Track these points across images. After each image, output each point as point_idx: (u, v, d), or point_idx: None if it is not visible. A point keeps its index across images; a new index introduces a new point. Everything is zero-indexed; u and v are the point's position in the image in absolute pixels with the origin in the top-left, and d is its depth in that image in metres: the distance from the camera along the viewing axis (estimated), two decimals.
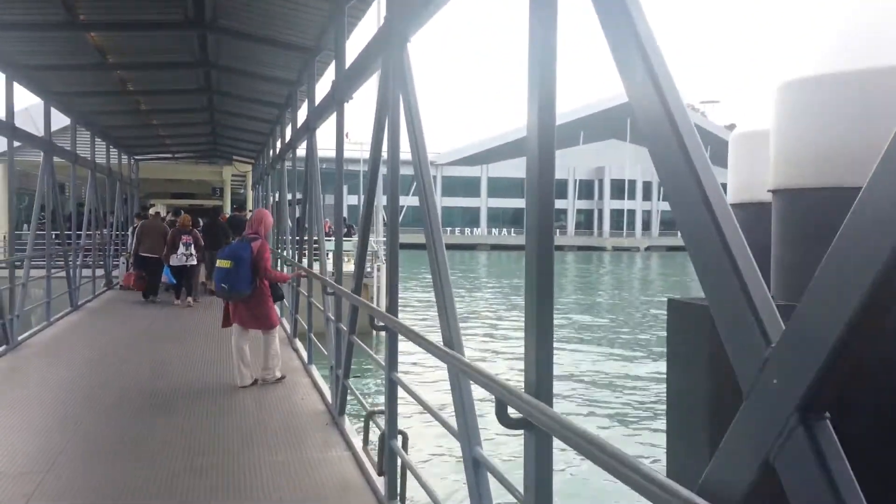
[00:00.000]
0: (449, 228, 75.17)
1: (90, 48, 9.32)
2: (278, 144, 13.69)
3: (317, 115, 8.65)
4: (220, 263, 7.14)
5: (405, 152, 4.38)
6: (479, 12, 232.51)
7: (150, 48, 10.00)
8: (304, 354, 8.71)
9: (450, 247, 44.20)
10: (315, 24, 8.03)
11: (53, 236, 12.64)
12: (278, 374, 7.38)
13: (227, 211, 23.55)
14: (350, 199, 60.62)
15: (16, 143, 10.13)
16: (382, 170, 6.08)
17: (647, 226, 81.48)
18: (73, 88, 11.64)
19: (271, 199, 15.82)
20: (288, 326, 10.50)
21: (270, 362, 7.32)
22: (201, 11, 8.17)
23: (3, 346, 9.09)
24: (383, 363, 4.54)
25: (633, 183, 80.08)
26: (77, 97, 12.27)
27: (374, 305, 21.39)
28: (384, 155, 5.00)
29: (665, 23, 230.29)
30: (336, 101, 6.84)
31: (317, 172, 8.92)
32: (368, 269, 21.39)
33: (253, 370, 7.31)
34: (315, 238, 9.20)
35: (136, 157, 21.25)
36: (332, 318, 6.74)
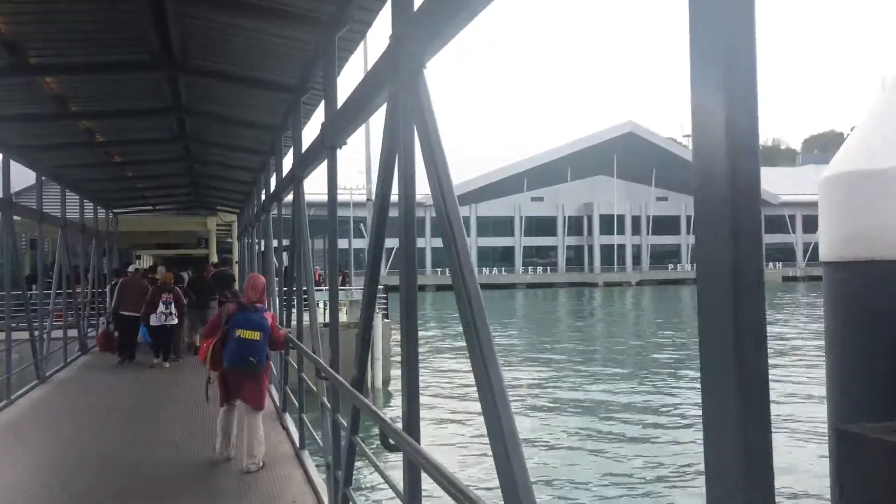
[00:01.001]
0: (440, 269, 74.38)
1: (47, 96, 8.46)
2: (263, 193, 12.81)
3: (304, 164, 7.67)
4: (248, 335, 6.64)
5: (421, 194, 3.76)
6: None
7: (115, 94, 9.13)
8: (295, 435, 7.65)
9: (441, 287, 43.48)
10: (300, 58, 7.06)
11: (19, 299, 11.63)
12: (261, 463, 6.70)
13: (214, 259, 22.72)
14: (340, 244, 59.71)
15: None
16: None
17: (637, 260, 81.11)
18: (35, 141, 10.72)
19: (257, 248, 15.00)
20: (277, 398, 9.41)
21: (256, 449, 6.66)
22: (168, 49, 7.24)
23: None
24: (401, 493, 3.59)
25: (622, 218, 79.89)
26: (41, 151, 11.34)
27: (369, 367, 19.96)
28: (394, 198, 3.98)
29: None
30: (326, 146, 6.00)
31: (304, 223, 7.88)
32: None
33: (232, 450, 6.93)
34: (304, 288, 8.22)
35: (115, 211, 20.28)
36: (329, 405, 5.71)
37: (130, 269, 15.76)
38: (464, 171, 75.06)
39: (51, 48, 7.23)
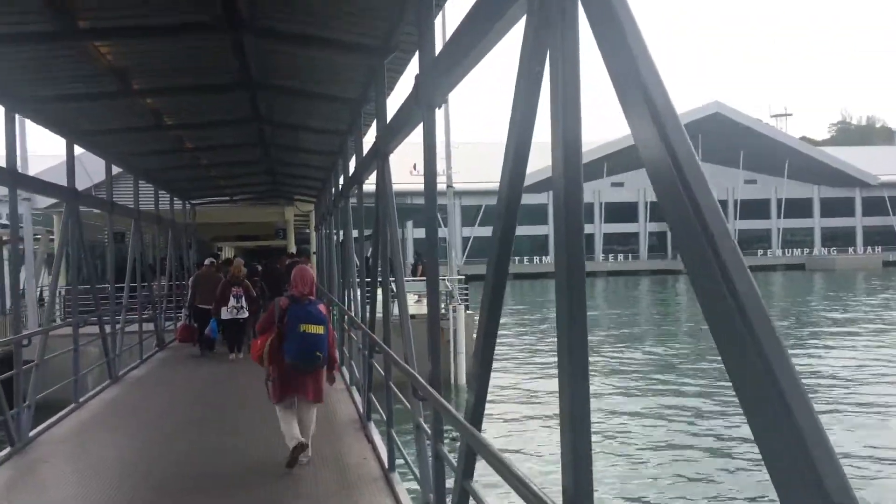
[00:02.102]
0: (516, 257, 73.13)
1: (147, 112, 9.46)
2: (342, 179, 12.18)
3: (390, 135, 6.79)
4: (312, 329, 6.41)
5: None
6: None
7: (204, 109, 10.01)
8: (382, 451, 7.00)
9: (518, 276, 42.80)
10: (359, 79, 7.70)
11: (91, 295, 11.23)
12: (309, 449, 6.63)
13: (293, 250, 22.36)
14: (417, 233, 59.31)
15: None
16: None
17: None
18: (102, 125, 10.41)
19: (335, 238, 14.74)
20: (359, 403, 9.06)
21: (309, 430, 6.74)
22: (248, 72, 7.93)
23: (7, 449, 7.20)
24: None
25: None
26: (108, 135, 11.01)
27: (452, 362, 19.15)
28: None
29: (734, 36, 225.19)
30: (422, 104, 5.42)
31: (391, 205, 6.72)
32: (443, 311, 19.65)
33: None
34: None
35: (192, 202, 19.98)
36: (428, 431, 5.02)
37: (206, 261, 15.53)
38: (543, 158, 73.39)
39: (152, 73, 8.26)
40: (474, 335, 20.80)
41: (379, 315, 7.62)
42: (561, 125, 2.40)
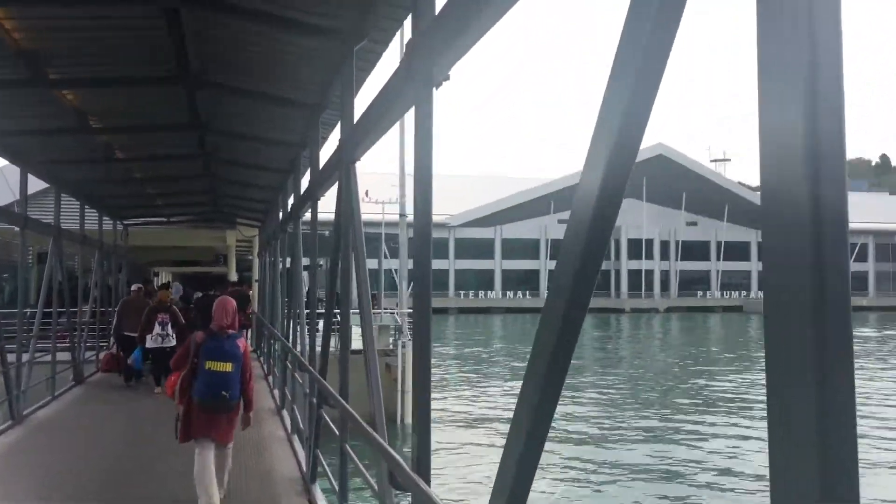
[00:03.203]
0: (463, 292, 72.66)
1: (68, 110, 8.29)
2: (288, 206, 11.33)
3: (320, 182, 7.37)
4: (219, 367, 6.05)
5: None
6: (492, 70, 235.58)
7: (136, 109, 8.93)
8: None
9: (463, 310, 42.77)
10: (318, 74, 6.79)
11: None
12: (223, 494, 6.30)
13: (234, 277, 21.19)
14: (370, 263, 58.08)
15: None
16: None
17: (665, 286, 78.80)
18: (52, 156, 9.59)
19: (280, 266, 13.63)
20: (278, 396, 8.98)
21: (225, 479, 6.41)
22: (186, 65, 7.01)
23: None
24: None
25: (650, 242, 77.77)
26: (58, 166, 10.05)
27: (399, 401, 18.09)
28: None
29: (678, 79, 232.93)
30: (344, 161, 5.65)
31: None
32: (391, 347, 18.77)
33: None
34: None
35: (124, 222, 18.62)
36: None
37: (134, 287, 14.42)
38: (490, 192, 73.67)
39: (71, 62, 7.05)
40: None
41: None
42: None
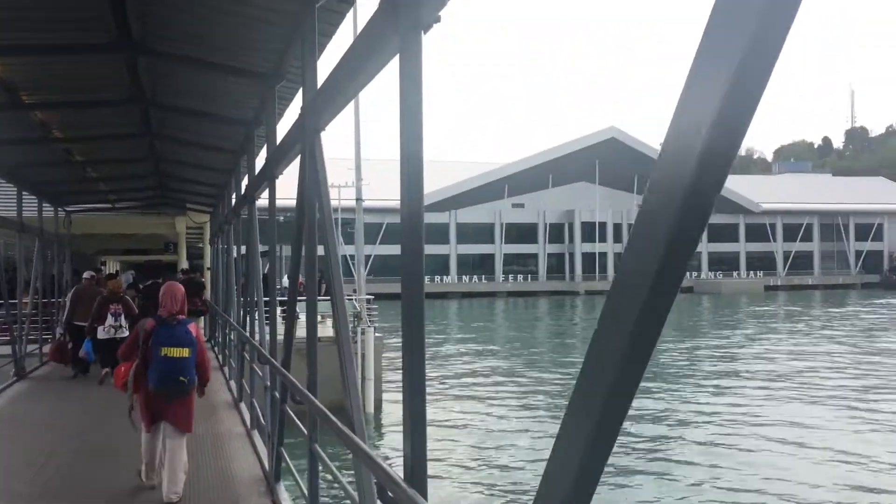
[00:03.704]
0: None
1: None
2: (242, 189, 10.81)
3: (279, 158, 6.99)
4: (174, 352, 6.05)
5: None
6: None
7: (75, 83, 8.11)
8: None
9: (426, 295, 42.75)
10: (275, 37, 6.54)
11: None
12: (181, 493, 6.06)
13: (184, 265, 20.44)
14: (319, 250, 57.19)
15: None
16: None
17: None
18: None
19: (234, 252, 13.24)
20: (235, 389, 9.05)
21: (179, 476, 6.08)
22: (127, 30, 6.47)
23: None
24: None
25: (603, 225, 78.41)
26: None
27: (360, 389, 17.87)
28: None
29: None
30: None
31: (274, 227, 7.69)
32: (350, 334, 18.27)
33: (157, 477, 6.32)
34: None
35: (67, 209, 17.68)
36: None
37: (86, 275, 13.75)
38: (444, 177, 73.22)
39: None
40: (384, 359, 19.62)
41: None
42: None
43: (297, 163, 5.79)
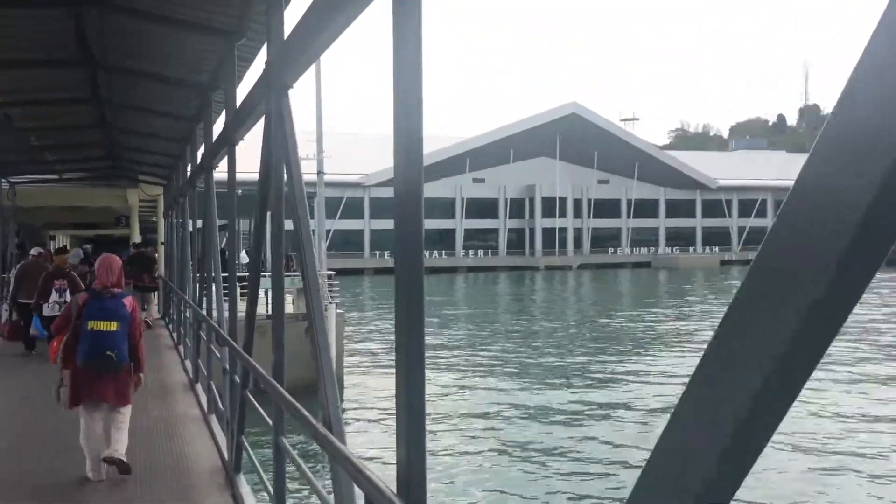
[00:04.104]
0: (378, 252, 71.76)
1: None
2: (201, 151, 10.27)
3: (240, 121, 6.44)
4: (102, 325, 5.85)
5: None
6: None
7: (10, 38, 7.32)
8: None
9: (380, 271, 42.36)
10: (207, 61, 6.91)
11: None
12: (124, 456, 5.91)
13: (137, 239, 19.70)
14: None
15: None
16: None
17: (578, 243, 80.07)
18: None
19: (190, 226, 12.58)
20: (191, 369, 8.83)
21: (122, 435, 5.97)
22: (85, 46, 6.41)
23: None
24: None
25: (563, 201, 78.62)
26: None
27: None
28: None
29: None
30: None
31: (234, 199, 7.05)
32: None
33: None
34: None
35: (10, 180, 16.80)
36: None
37: (34, 251, 13.19)
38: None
39: None
40: (345, 337, 19.19)
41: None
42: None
43: (259, 128, 5.33)
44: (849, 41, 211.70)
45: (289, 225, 4.41)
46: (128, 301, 6.09)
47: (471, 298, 46.17)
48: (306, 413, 3.32)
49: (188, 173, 11.97)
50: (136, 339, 6.09)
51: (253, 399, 5.59)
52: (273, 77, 4.35)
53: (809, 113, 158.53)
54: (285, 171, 4.24)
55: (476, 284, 57.89)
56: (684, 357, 21.64)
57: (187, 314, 12.12)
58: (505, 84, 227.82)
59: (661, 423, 14.25)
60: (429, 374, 16.41)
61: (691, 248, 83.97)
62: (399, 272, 2.43)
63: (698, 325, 30.14)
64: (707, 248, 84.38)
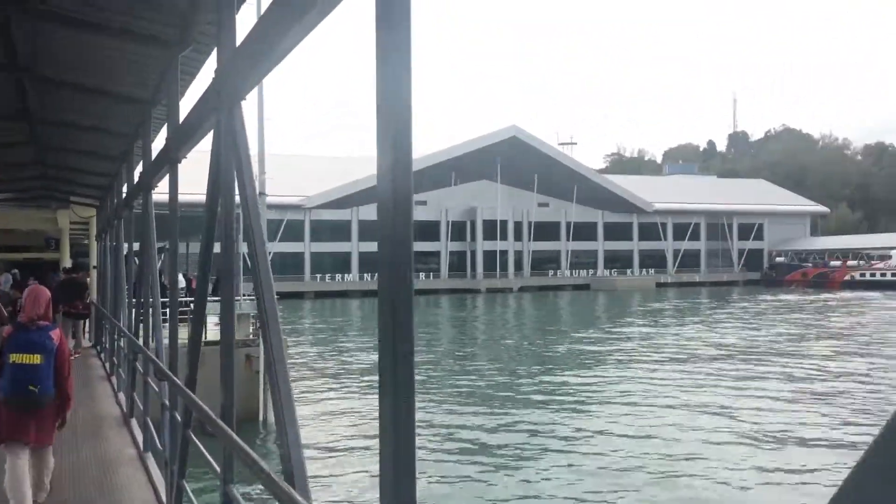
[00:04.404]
0: (319, 275, 70.72)
1: None
2: (139, 170, 9.75)
3: (181, 140, 6.09)
4: (24, 359, 5.54)
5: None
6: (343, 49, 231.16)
7: None
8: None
9: (320, 294, 41.72)
10: (150, 75, 6.52)
11: None
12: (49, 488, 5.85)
13: (67, 264, 18.75)
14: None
15: None
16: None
17: (518, 266, 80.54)
18: None
19: (125, 249, 12.06)
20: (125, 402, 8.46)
21: (47, 480, 5.84)
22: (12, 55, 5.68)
23: None
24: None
25: (504, 223, 79.06)
26: None
27: (261, 395, 16.53)
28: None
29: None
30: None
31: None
32: (252, 336, 17.38)
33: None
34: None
35: None
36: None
37: None
38: (348, 173, 71.93)
39: None
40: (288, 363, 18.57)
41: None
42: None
43: (205, 146, 4.96)
44: (773, 72, 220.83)
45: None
46: (55, 334, 5.80)
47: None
48: (264, 466, 2.94)
49: (124, 194, 11.37)
50: (63, 375, 5.75)
51: (197, 440, 5.12)
52: (224, 88, 3.98)
53: (737, 139, 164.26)
54: (237, 190, 3.89)
55: (417, 308, 57.49)
56: (615, 378, 21.77)
57: (121, 343, 11.47)
58: (447, 107, 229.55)
59: (585, 445, 14.21)
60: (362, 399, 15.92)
61: (629, 271, 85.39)
62: (384, 293, 2.16)
63: (636, 345, 30.44)
64: (644, 270, 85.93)
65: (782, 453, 13.79)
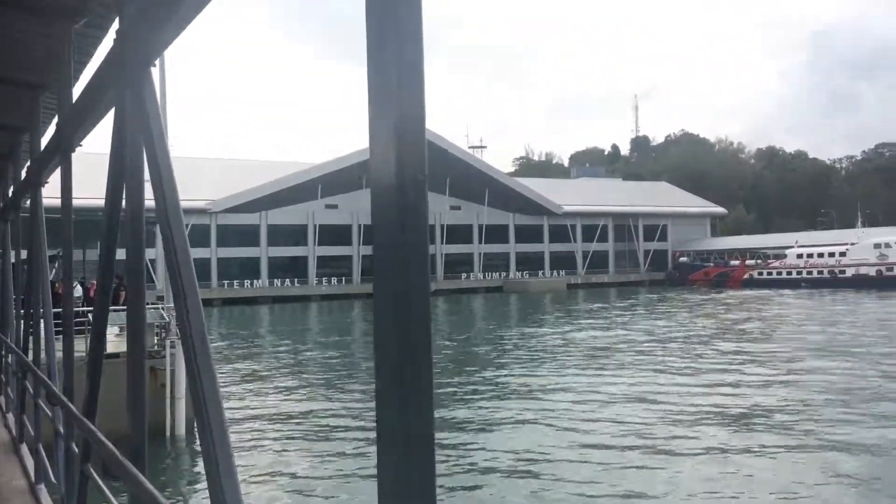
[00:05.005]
0: (227, 282, 68.34)
1: None
2: (27, 166, 8.72)
3: (77, 121, 5.20)
4: None
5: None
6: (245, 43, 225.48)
7: None
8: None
9: (228, 301, 40.25)
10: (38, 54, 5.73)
11: None
12: None
13: None
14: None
15: None
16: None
17: (432, 269, 79.82)
18: None
19: (12, 256, 10.95)
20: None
21: None
22: None
23: None
24: None
25: None
26: None
27: (169, 410, 15.31)
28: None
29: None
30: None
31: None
32: (158, 348, 16.28)
33: None
34: None
35: None
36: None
37: None
38: (256, 177, 69.88)
39: None
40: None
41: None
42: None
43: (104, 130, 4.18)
44: (673, 78, 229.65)
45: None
46: None
47: (325, 328, 44.64)
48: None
49: (10, 194, 10.21)
50: None
51: (97, 477, 4.30)
52: (129, 53, 3.21)
53: (640, 143, 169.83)
54: (149, 179, 3.17)
55: (329, 313, 56.28)
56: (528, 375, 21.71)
57: (9, 360, 10.29)
58: (350, 111, 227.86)
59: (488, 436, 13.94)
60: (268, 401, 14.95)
61: (540, 272, 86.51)
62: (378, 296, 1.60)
63: (550, 343, 30.56)
64: (554, 271, 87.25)
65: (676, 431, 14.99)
